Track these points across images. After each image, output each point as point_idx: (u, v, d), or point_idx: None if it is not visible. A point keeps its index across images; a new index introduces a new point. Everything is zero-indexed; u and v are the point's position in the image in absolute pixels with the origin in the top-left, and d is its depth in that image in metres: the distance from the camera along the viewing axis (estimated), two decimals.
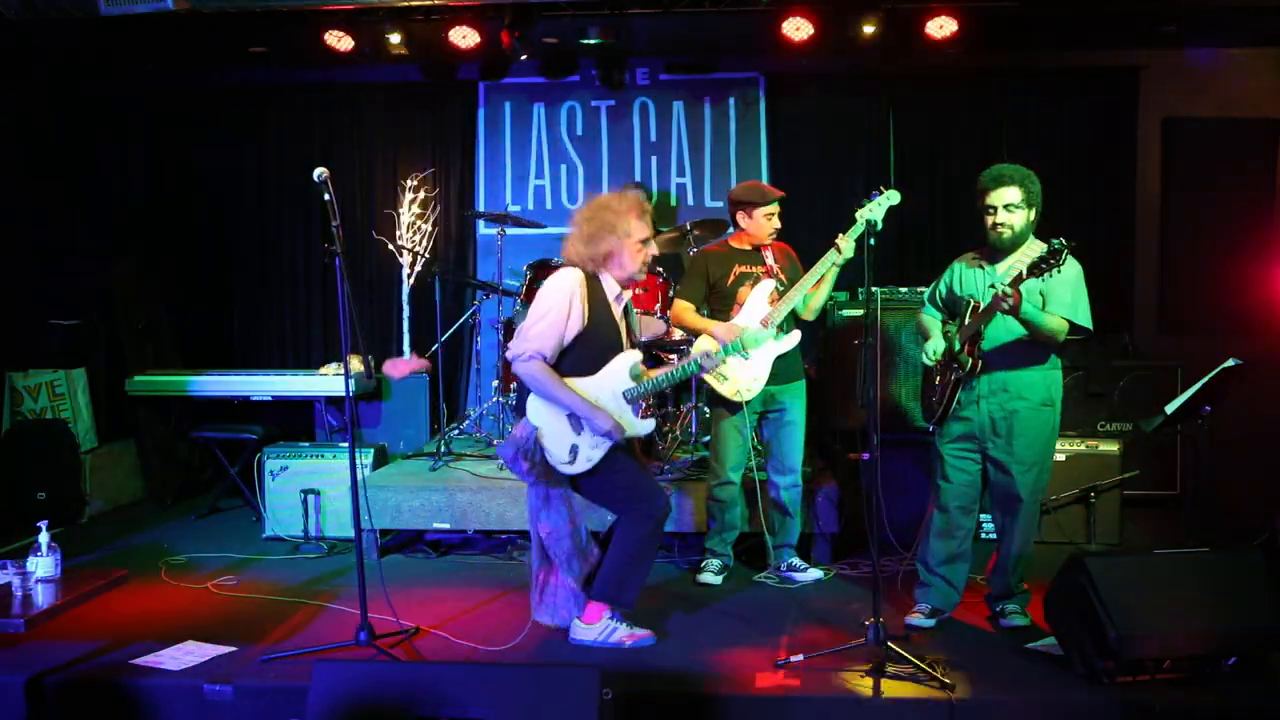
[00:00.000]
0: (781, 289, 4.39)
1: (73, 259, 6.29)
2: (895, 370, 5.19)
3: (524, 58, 6.13)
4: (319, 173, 3.55)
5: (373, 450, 5.42)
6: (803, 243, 4.68)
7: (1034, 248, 3.81)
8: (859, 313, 5.38)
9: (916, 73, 6.53)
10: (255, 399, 5.97)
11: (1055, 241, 3.42)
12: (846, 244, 4.15)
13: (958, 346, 3.82)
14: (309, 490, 5.20)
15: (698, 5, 5.90)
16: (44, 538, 3.71)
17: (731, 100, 6.85)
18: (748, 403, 4.39)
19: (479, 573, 4.77)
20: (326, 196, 3.53)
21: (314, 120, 7.00)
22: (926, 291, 4.18)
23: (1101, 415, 5.74)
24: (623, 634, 3.77)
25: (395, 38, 5.94)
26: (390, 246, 6.48)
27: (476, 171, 7.00)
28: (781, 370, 4.42)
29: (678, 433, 5.55)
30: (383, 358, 6.22)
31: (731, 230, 4.60)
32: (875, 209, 3.88)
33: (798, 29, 5.78)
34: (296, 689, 3.22)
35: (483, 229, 6.94)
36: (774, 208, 4.43)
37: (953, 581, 3.98)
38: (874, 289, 3.66)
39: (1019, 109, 6.60)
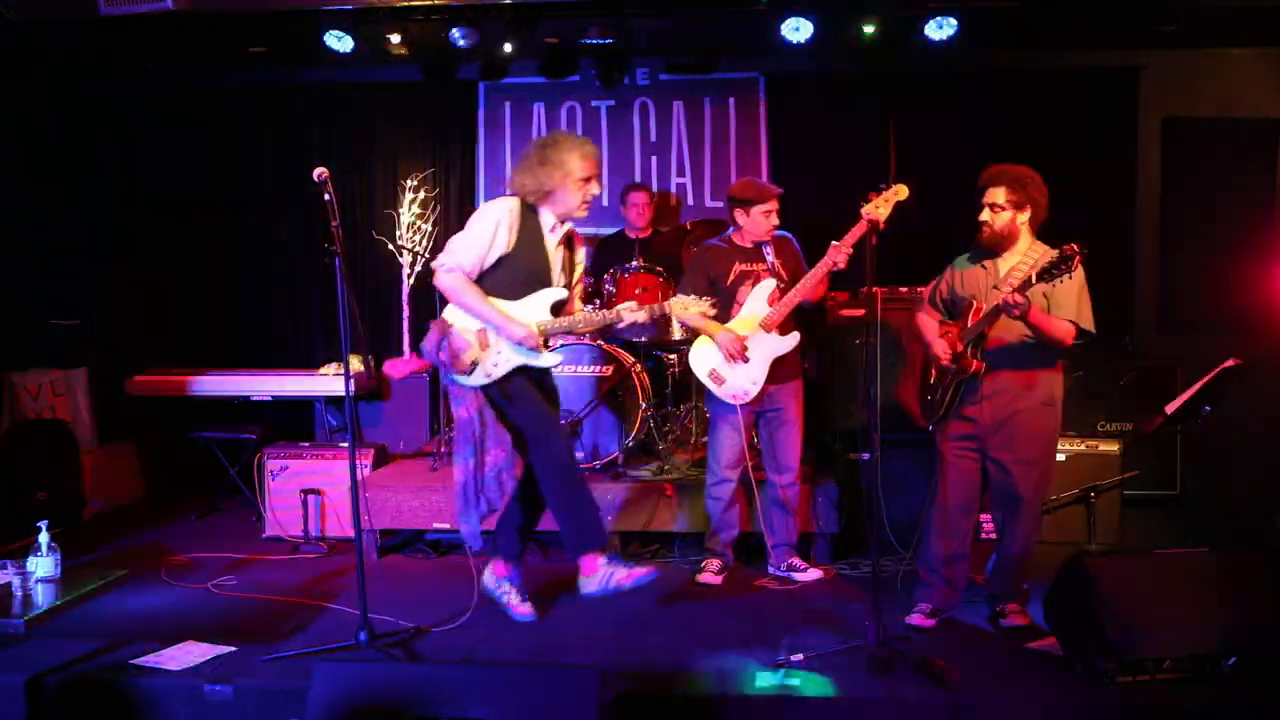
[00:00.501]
0: (783, 287, 4.39)
1: (73, 259, 6.29)
2: (895, 370, 5.19)
3: (520, 57, 6.12)
4: (319, 173, 3.55)
5: (373, 450, 5.42)
6: (803, 242, 4.68)
7: (1036, 250, 3.80)
8: (859, 313, 5.37)
9: (916, 73, 6.53)
10: (255, 399, 5.97)
11: (1067, 248, 3.41)
12: (842, 256, 4.15)
13: (961, 347, 3.81)
14: (309, 490, 5.20)
15: (698, 5, 5.89)
16: (44, 538, 3.71)
17: (731, 100, 6.85)
18: (743, 405, 4.40)
19: (479, 573, 4.76)
20: (326, 196, 3.53)
21: (314, 120, 7.00)
22: (926, 292, 4.17)
23: (1101, 415, 5.74)
24: (620, 575, 3.79)
25: (395, 38, 5.93)
26: (390, 246, 6.47)
27: (476, 171, 7.00)
28: (779, 369, 4.42)
29: (678, 433, 5.56)
30: (383, 358, 6.22)
31: (732, 229, 4.59)
32: (881, 205, 3.87)
33: (798, 29, 5.78)
34: (296, 689, 3.22)
35: None
36: (771, 205, 4.42)
37: (953, 581, 3.98)
38: (874, 289, 3.66)
39: (1019, 109, 6.60)
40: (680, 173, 6.91)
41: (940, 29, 5.77)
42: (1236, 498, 5.01)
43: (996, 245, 3.83)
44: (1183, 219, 6.51)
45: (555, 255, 3.89)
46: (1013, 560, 3.92)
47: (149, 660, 3.59)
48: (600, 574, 3.80)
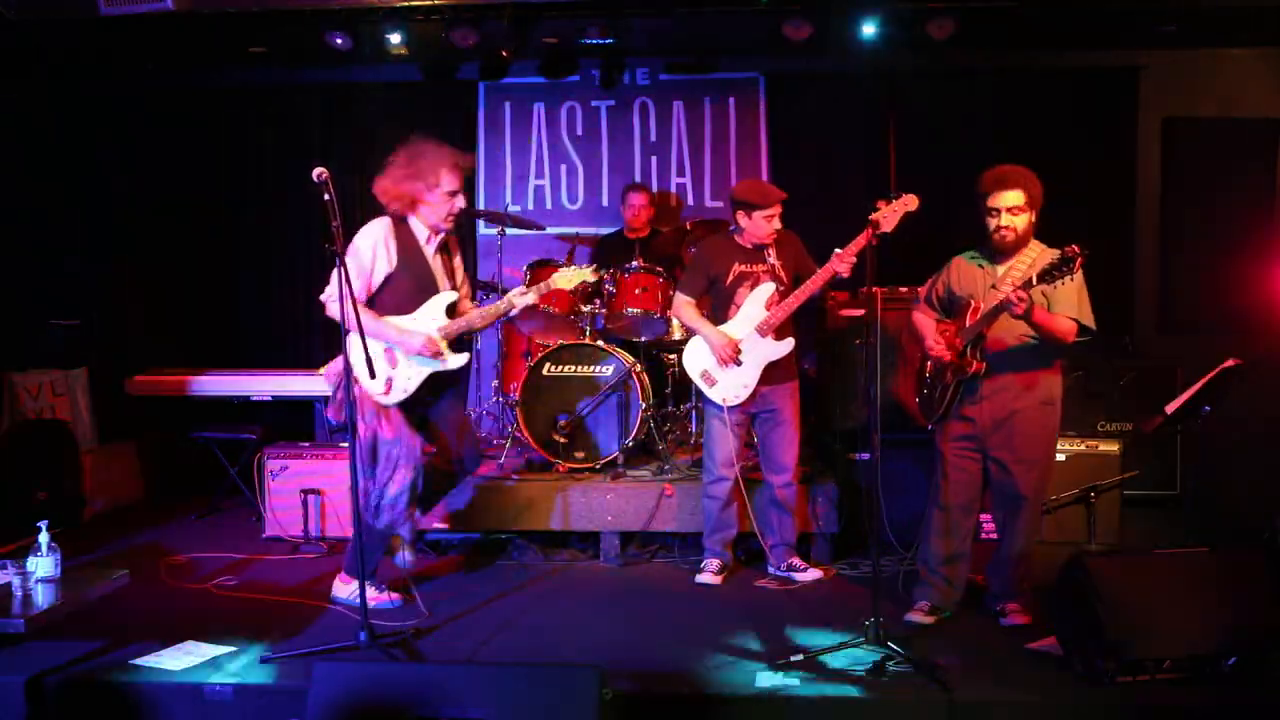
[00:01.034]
0: (782, 290, 4.39)
1: (73, 259, 6.29)
2: (895, 370, 5.18)
3: (520, 57, 6.12)
4: (318, 173, 3.55)
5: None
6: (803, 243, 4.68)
7: (1034, 249, 3.80)
8: (859, 313, 5.37)
9: (916, 73, 6.53)
10: (255, 399, 5.97)
11: (1069, 249, 3.41)
12: (845, 266, 4.16)
13: (960, 347, 3.81)
14: (309, 490, 5.20)
15: (698, 5, 5.89)
16: (44, 538, 3.70)
17: (731, 100, 6.85)
18: (733, 408, 4.40)
19: (479, 573, 4.77)
20: (326, 196, 3.53)
21: (314, 120, 7.00)
22: (923, 291, 4.17)
23: (1101, 415, 5.74)
24: (372, 596, 3.88)
25: (395, 38, 5.93)
26: None
27: (476, 171, 6.99)
28: (773, 370, 4.42)
29: (677, 433, 5.56)
30: None
31: (734, 229, 4.59)
32: (890, 215, 3.87)
33: (798, 29, 5.78)
34: (296, 689, 3.23)
35: (483, 229, 6.94)
36: (774, 210, 4.41)
37: (953, 581, 3.98)
38: (874, 289, 3.66)
39: (1019, 109, 6.60)
40: (680, 173, 6.91)
41: (940, 28, 5.77)
42: (1236, 498, 5.01)
43: (1018, 247, 3.81)
44: (1183, 219, 6.51)
45: (436, 263, 4.03)
46: (1013, 560, 3.92)
47: (149, 660, 3.59)
48: (352, 588, 3.93)
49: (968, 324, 3.78)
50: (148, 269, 6.74)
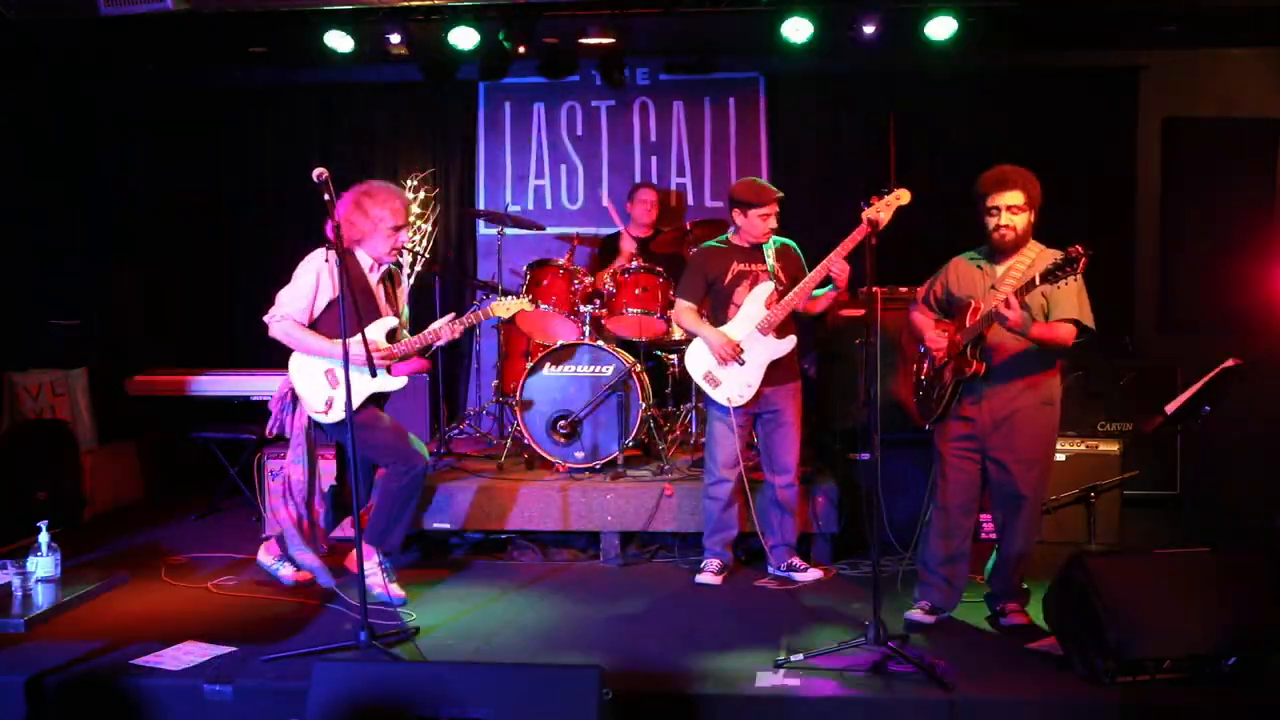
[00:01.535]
0: (781, 290, 4.39)
1: (73, 259, 6.29)
2: (895, 370, 5.19)
3: (522, 50, 6.12)
4: (318, 173, 3.55)
5: None
6: (802, 243, 4.68)
7: (1034, 249, 3.80)
8: (859, 313, 5.37)
9: (917, 73, 6.53)
10: (255, 399, 5.96)
11: (1073, 250, 3.40)
12: (837, 265, 4.18)
13: (960, 347, 3.81)
14: None
15: (698, 5, 5.89)
16: (44, 538, 3.70)
17: (731, 100, 6.85)
18: (738, 408, 4.40)
19: (479, 573, 4.77)
20: (326, 197, 3.54)
21: (314, 120, 7.00)
22: (921, 292, 4.17)
23: (1101, 415, 5.74)
24: (378, 582, 4.10)
25: (395, 38, 5.93)
26: None
27: (476, 171, 7.00)
28: (776, 371, 4.42)
29: (677, 433, 5.56)
30: None
31: (733, 229, 4.59)
32: (883, 210, 3.87)
33: (798, 29, 5.78)
34: (296, 689, 3.22)
35: (483, 229, 6.95)
36: (770, 208, 4.41)
37: (953, 581, 3.97)
38: (874, 289, 3.66)
39: (1019, 109, 6.60)
40: (680, 173, 6.91)
41: (940, 29, 5.77)
42: (1236, 498, 5.01)
43: (1018, 247, 3.80)
44: (1183, 219, 6.51)
45: (379, 291, 4.22)
46: (1012, 560, 3.92)
47: (149, 660, 3.59)
48: (369, 567, 4.04)
49: (967, 324, 3.78)
50: (148, 269, 6.73)
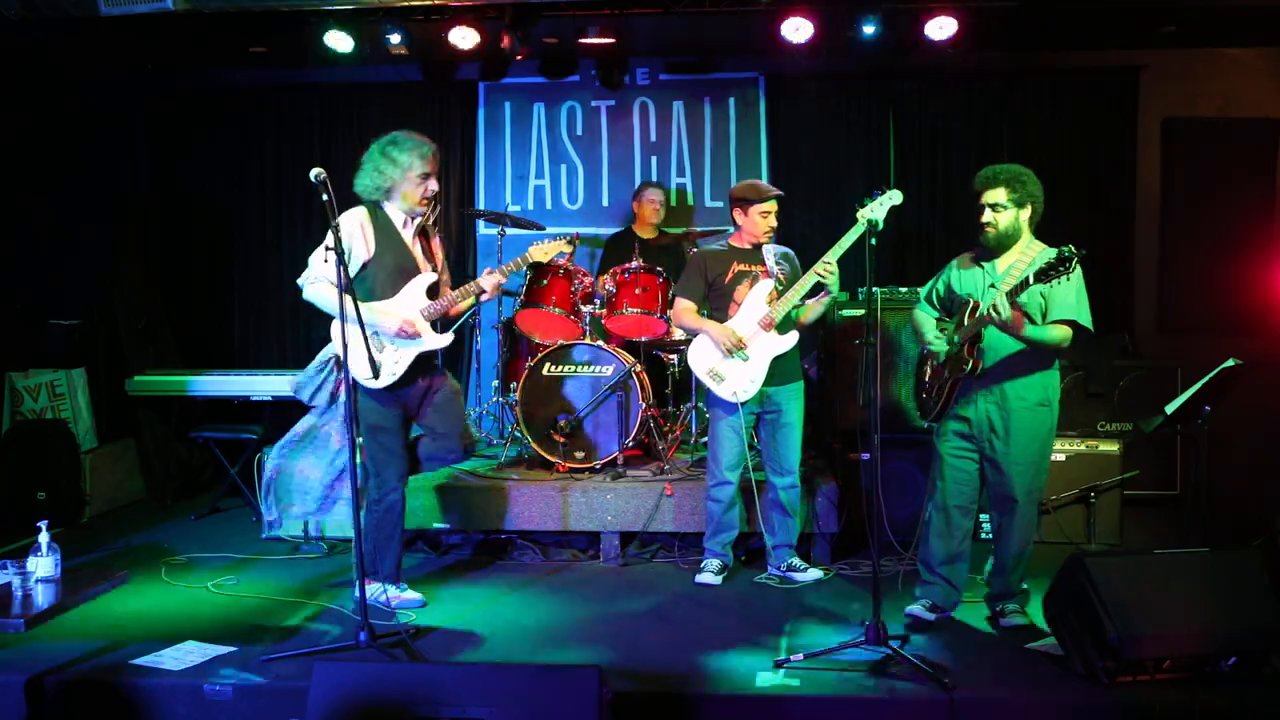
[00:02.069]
0: (780, 289, 4.40)
1: (73, 259, 6.29)
2: (895, 370, 5.19)
3: (520, 57, 6.13)
4: (316, 173, 3.55)
5: None
6: (802, 243, 4.69)
7: (1033, 248, 3.80)
8: (859, 313, 5.38)
9: (916, 73, 6.53)
10: (255, 399, 5.97)
11: (1066, 249, 3.41)
12: (828, 269, 4.19)
13: (957, 346, 3.82)
14: None
15: (698, 5, 5.89)
16: (44, 538, 3.71)
17: (731, 100, 6.85)
18: (744, 404, 4.40)
19: (479, 573, 4.77)
20: (325, 197, 3.53)
21: (314, 120, 7.00)
22: (922, 290, 4.18)
23: (1101, 415, 5.74)
24: (391, 595, 4.11)
25: (395, 38, 5.93)
26: None
27: (476, 171, 7.00)
28: (778, 371, 4.42)
29: (677, 433, 5.56)
30: None
31: (732, 230, 4.61)
32: (877, 209, 3.88)
33: (798, 29, 5.78)
34: (296, 689, 3.23)
35: (483, 229, 6.95)
36: (770, 205, 4.42)
37: (953, 581, 3.98)
38: (874, 289, 3.66)
39: (1019, 109, 6.60)
40: (680, 173, 6.91)
41: (940, 29, 5.77)
42: (1236, 498, 5.00)
43: (1001, 245, 3.83)
44: (1183, 219, 6.51)
45: (415, 247, 4.09)
46: (1010, 560, 3.92)
47: (149, 660, 3.59)
48: (375, 588, 4.04)
49: (965, 323, 3.78)
50: (148, 269, 6.73)
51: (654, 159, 6.90)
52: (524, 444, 5.31)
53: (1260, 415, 5.33)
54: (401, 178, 3.98)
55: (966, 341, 3.78)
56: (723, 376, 4.42)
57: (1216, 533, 4.49)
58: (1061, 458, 5.04)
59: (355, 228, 3.97)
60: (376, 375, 3.84)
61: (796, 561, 4.58)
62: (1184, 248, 6.50)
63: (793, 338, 4.43)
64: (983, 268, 3.90)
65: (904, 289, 5.40)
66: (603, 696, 2.89)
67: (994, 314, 3.57)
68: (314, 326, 6.95)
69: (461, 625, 4.02)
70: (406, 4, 5.62)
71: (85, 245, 6.38)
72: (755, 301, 4.42)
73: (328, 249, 3.62)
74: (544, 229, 6.21)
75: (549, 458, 5.18)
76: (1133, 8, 5.84)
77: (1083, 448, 5.10)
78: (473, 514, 4.93)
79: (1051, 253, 3.59)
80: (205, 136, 6.98)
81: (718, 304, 4.51)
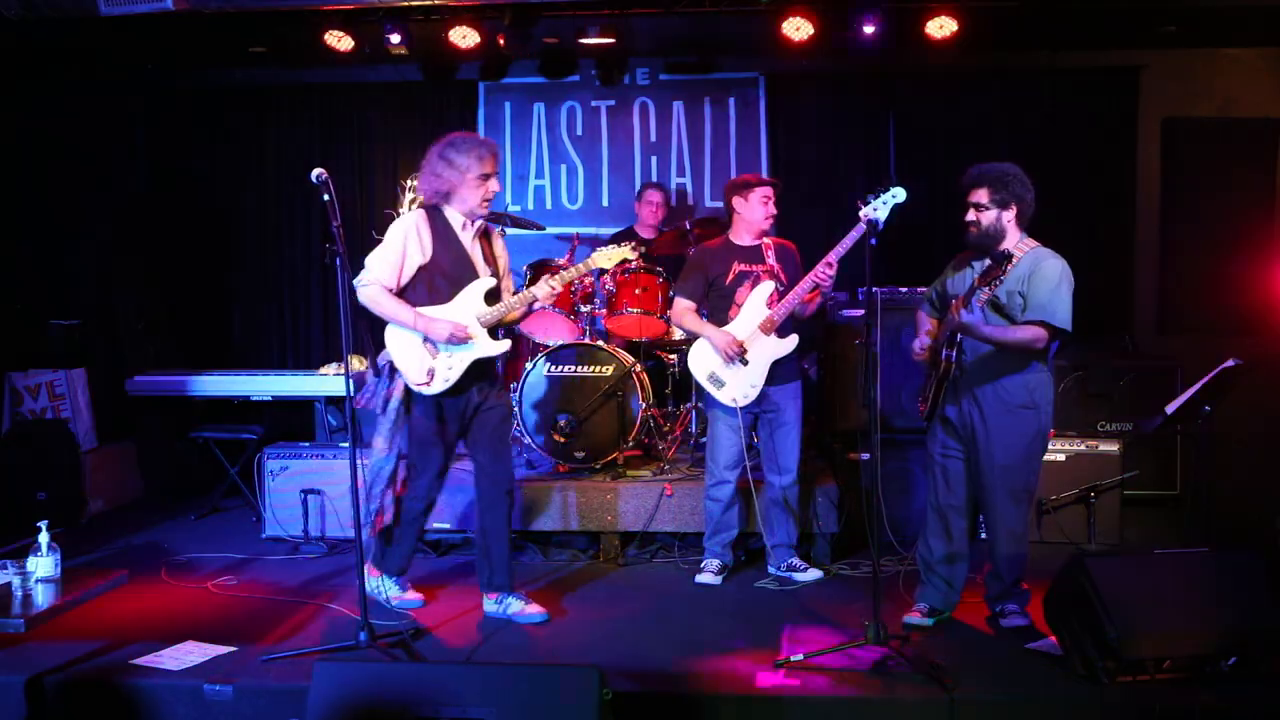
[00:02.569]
0: (782, 290, 4.39)
1: (73, 259, 6.29)
2: (895, 370, 5.18)
3: (517, 57, 6.13)
4: (317, 173, 3.55)
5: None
6: (802, 243, 4.68)
7: (1023, 246, 3.78)
8: (859, 313, 5.38)
9: (916, 73, 6.53)
10: (255, 399, 5.96)
11: (1004, 250, 3.47)
12: (824, 270, 4.19)
13: (938, 347, 3.82)
14: (309, 490, 5.20)
15: (698, 5, 5.90)
16: (44, 538, 3.71)
17: (731, 100, 6.85)
18: (743, 408, 4.40)
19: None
20: (326, 197, 3.53)
21: (314, 120, 7.01)
22: (927, 291, 4.18)
23: (1101, 415, 5.73)
24: (392, 595, 4.13)
25: (395, 38, 5.93)
26: None
27: None
28: (777, 371, 4.42)
29: (677, 433, 5.56)
30: None
31: (729, 231, 4.59)
32: (880, 207, 3.87)
33: (798, 29, 5.78)
34: (296, 689, 3.23)
35: None
36: (769, 191, 4.42)
37: (951, 582, 3.97)
38: (874, 289, 3.66)
39: (1019, 109, 6.60)
40: (680, 173, 6.91)
41: (940, 28, 5.77)
42: (1236, 498, 5.00)
43: (984, 244, 3.80)
44: (1183, 219, 6.51)
45: (474, 250, 4.02)
46: (1004, 561, 3.89)
47: (149, 660, 3.59)
48: (375, 582, 4.11)
49: (944, 324, 3.79)
50: (148, 269, 6.74)
51: (654, 159, 6.90)
52: (524, 444, 5.30)
53: (1260, 415, 5.33)
54: (460, 180, 3.90)
55: (943, 343, 3.78)
56: (723, 382, 4.41)
57: (1216, 533, 4.49)
58: (1061, 458, 5.04)
59: (411, 231, 3.91)
60: (430, 381, 3.83)
61: (796, 561, 4.57)
62: (1184, 248, 6.50)
63: (793, 341, 4.43)
64: (973, 268, 3.89)
65: (904, 289, 5.40)
66: (603, 696, 2.89)
67: (951, 315, 3.59)
68: (314, 326, 6.97)
69: (461, 625, 4.01)
70: (406, 4, 5.62)
71: (85, 245, 6.38)
72: (755, 304, 4.41)
73: (339, 257, 3.60)
74: (544, 229, 6.20)
75: (549, 458, 5.18)
76: (1133, 8, 5.84)
77: (1083, 448, 5.10)
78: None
79: (1042, 254, 3.61)
80: (205, 136, 6.98)
81: (718, 305, 4.50)
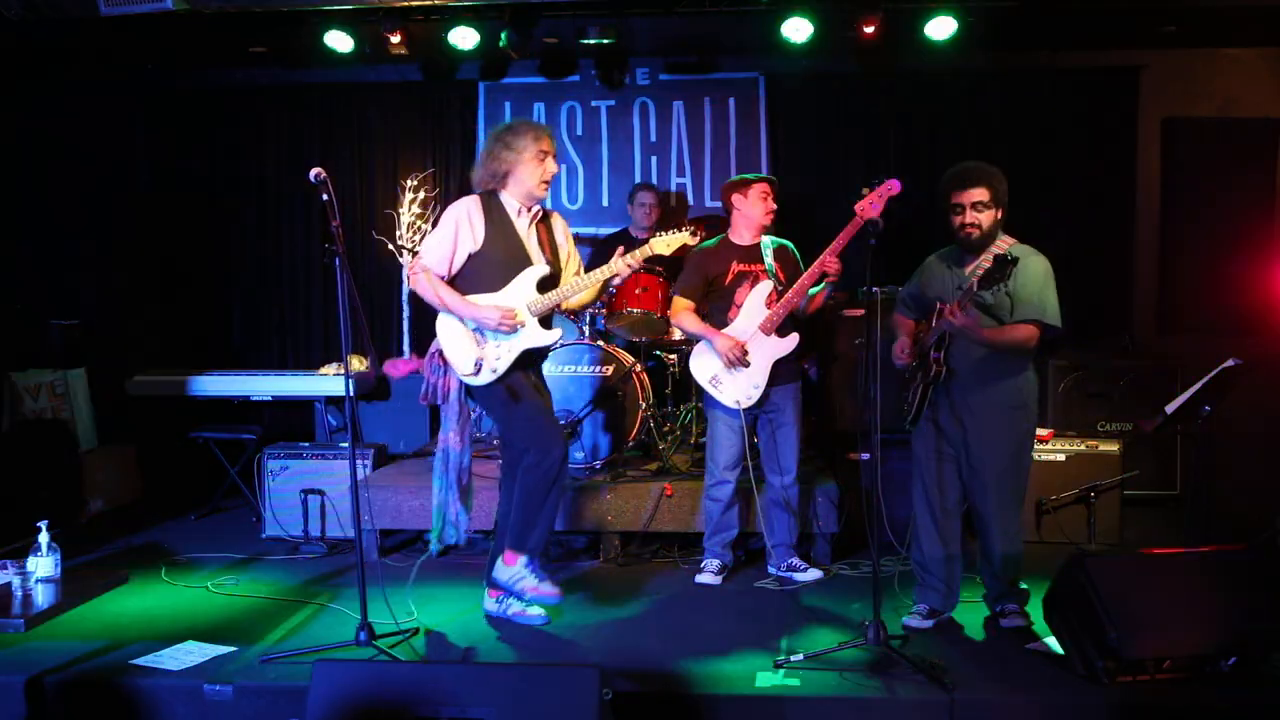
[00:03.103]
0: (780, 289, 4.39)
1: (73, 259, 6.29)
2: (895, 370, 5.18)
3: (516, 55, 6.13)
4: (316, 173, 3.55)
5: (373, 450, 5.42)
6: (802, 243, 4.68)
7: (1003, 244, 3.76)
8: (859, 313, 5.38)
9: (916, 73, 6.53)
10: (255, 399, 5.97)
11: (1008, 253, 3.41)
12: (832, 261, 4.17)
13: (926, 350, 3.81)
14: (309, 490, 5.20)
15: (698, 5, 5.90)
16: (44, 538, 3.71)
17: (731, 100, 6.85)
18: (745, 409, 4.40)
19: (479, 573, 4.76)
20: (325, 197, 3.53)
21: (314, 120, 7.01)
22: (900, 293, 4.17)
23: (1101, 415, 5.74)
24: (529, 584, 3.86)
25: (395, 38, 5.93)
26: (390, 246, 6.48)
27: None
28: (777, 371, 4.42)
29: (678, 433, 5.56)
30: (383, 358, 6.22)
31: (730, 227, 4.58)
32: (875, 202, 3.87)
33: (798, 29, 5.78)
34: (296, 689, 3.23)
35: None
36: (765, 187, 4.42)
37: (949, 583, 3.97)
38: (874, 289, 3.66)
39: (1019, 109, 6.60)
40: (680, 173, 6.91)
41: (940, 29, 5.77)
42: (1236, 498, 5.00)
43: (985, 244, 3.77)
44: (1183, 219, 6.51)
45: (530, 237, 3.93)
46: (998, 561, 3.89)
47: (149, 660, 3.59)
48: (515, 571, 3.88)
49: (933, 326, 3.77)
50: (148, 269, 6.74)
51: (654, 159, 6.90)
52: None
53: (1260, 415, 5.33)
54: (517, 159, 3.82)
55: (932, 346, 3.77)
56: (725, 384, 4.41)
57: (1216, 533, 4.49)
58: (1061, 458, 5.05)
59: (463, 217, 3.83)
60: (478, 372, 3.78)
61: (796, 561, 4.57)
62: (1184, 248, 6.50)
63: (793, 340, 4.43)
64: (951, 270, 3.87)
65: (904, 289, 5.40)
66: (603, 696, 2.89)
67: (947, 318, 3.56)
68: (314, 327, 6.97)
69: (462, 625, 4.01)
70: (406, 4, 5.62)
71: (85, 245, 6.38)
72: (754, 304, 4.41)
73: (338, 257, 3.56)
74: None
75: None
76: (1133, 8, 5.85)
77: (1083, 448, 5.10)
78: (473, 514, 4.91)
79: (1023, 250, 3.60)
80: (205, 136, 6.99)
81: (718, 306, 4.50)
